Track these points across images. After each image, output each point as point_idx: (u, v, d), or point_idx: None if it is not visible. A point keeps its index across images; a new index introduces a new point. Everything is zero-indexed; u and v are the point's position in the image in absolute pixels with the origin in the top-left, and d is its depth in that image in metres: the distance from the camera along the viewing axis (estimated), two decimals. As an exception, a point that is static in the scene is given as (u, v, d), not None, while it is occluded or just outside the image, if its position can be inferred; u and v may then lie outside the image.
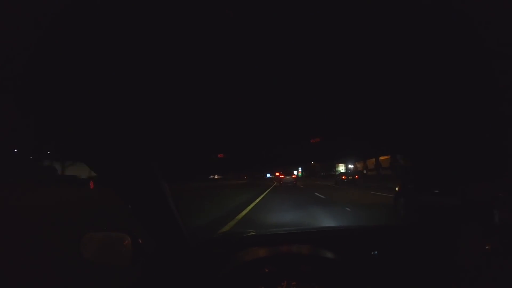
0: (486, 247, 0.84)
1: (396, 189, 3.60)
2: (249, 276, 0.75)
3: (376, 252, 0.93)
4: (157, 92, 0.60)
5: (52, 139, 0.71)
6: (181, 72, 0.55)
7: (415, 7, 0.42)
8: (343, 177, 18.79)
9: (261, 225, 4.43)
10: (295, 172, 24.44)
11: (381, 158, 16.28)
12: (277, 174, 19.57)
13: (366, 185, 14.09)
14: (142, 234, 0.80)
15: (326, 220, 4.51)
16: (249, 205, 7.16)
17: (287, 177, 19.05)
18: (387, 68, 0.60)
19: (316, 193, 10.50)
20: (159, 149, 0.79)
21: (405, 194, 3.18)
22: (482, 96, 0.71)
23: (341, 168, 27.49)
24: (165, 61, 0.52)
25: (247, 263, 0.79)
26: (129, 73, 0.53)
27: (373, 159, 17.11)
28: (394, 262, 0.88)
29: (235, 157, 0.99)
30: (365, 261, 0.86)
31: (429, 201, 1.47)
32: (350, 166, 25.26)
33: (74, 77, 0.50)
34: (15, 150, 21.41)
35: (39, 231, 4.33)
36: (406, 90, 0.68)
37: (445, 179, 1.06)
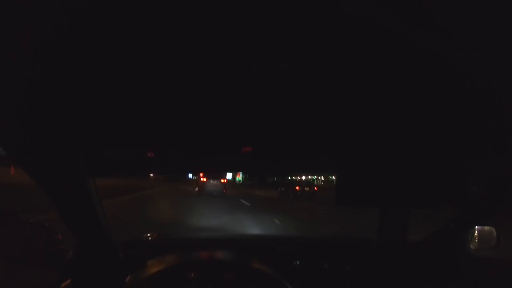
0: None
1: None
2: (172, 280, 0.73)
3: (298, 262, 0.96)
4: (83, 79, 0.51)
5: None
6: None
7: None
8: (297, 187, 13.92)
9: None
10: (229, 176, 17.54)
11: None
12: (201, 175, 13.01)
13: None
14: (62, 229, 0.76)
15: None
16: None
17: (212, 181, 12.46)
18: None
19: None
20: (85, 141, 0.69)
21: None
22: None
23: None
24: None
25: (172, 268, 0.77)
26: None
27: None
28: (315, 272, 0.94)
29: (165, 157, 0.85)
30: (287, 270, 0.86)
31: None
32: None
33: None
34: None
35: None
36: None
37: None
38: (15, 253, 0.75)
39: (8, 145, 0.60)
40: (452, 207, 0.94)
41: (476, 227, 1.11)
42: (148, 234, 1.14)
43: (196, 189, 12.89)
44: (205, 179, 12.52)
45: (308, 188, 14.21)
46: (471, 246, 1.09)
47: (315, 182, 18.26)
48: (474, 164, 0.81)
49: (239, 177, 29.95)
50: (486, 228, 1.13)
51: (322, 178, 23.55)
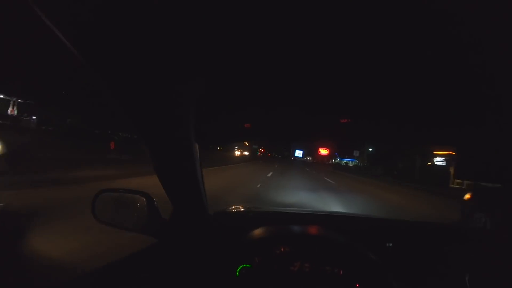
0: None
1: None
2: (262, 252, 0.74)
3: (391, 244, 0.94)
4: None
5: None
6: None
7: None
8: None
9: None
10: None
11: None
12: (321, 151, 12.49)
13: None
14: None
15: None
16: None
17: None
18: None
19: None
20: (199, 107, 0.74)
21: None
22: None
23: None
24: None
25: (261, 240, 0.79)
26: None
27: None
28: (407, 256, 0.91)
29: (259, 128, 0.94)
30: (379, 251, 0.83)
31: None
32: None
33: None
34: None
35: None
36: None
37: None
38: (117, 218, 0.78)
39: (135, 108, 0.61)
40: None
41: None
42: (236, 206, 1.13)
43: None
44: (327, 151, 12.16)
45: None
46: None
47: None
48: None
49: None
50: None
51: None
